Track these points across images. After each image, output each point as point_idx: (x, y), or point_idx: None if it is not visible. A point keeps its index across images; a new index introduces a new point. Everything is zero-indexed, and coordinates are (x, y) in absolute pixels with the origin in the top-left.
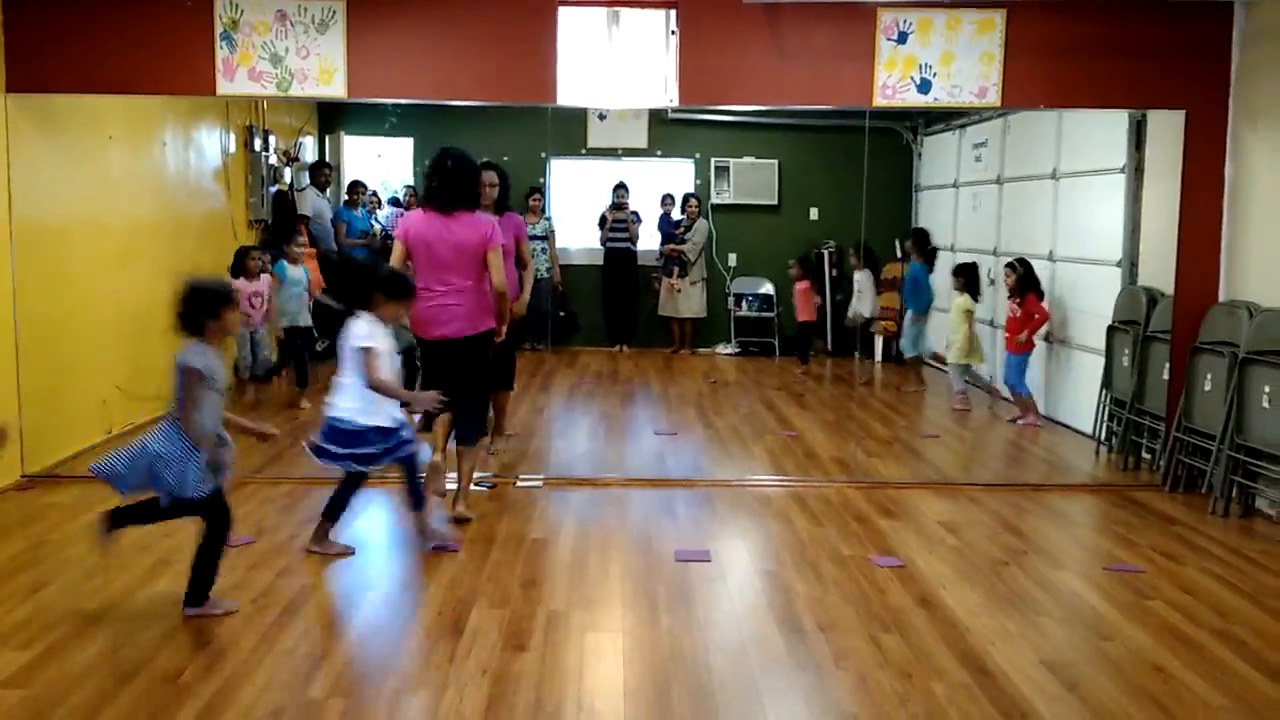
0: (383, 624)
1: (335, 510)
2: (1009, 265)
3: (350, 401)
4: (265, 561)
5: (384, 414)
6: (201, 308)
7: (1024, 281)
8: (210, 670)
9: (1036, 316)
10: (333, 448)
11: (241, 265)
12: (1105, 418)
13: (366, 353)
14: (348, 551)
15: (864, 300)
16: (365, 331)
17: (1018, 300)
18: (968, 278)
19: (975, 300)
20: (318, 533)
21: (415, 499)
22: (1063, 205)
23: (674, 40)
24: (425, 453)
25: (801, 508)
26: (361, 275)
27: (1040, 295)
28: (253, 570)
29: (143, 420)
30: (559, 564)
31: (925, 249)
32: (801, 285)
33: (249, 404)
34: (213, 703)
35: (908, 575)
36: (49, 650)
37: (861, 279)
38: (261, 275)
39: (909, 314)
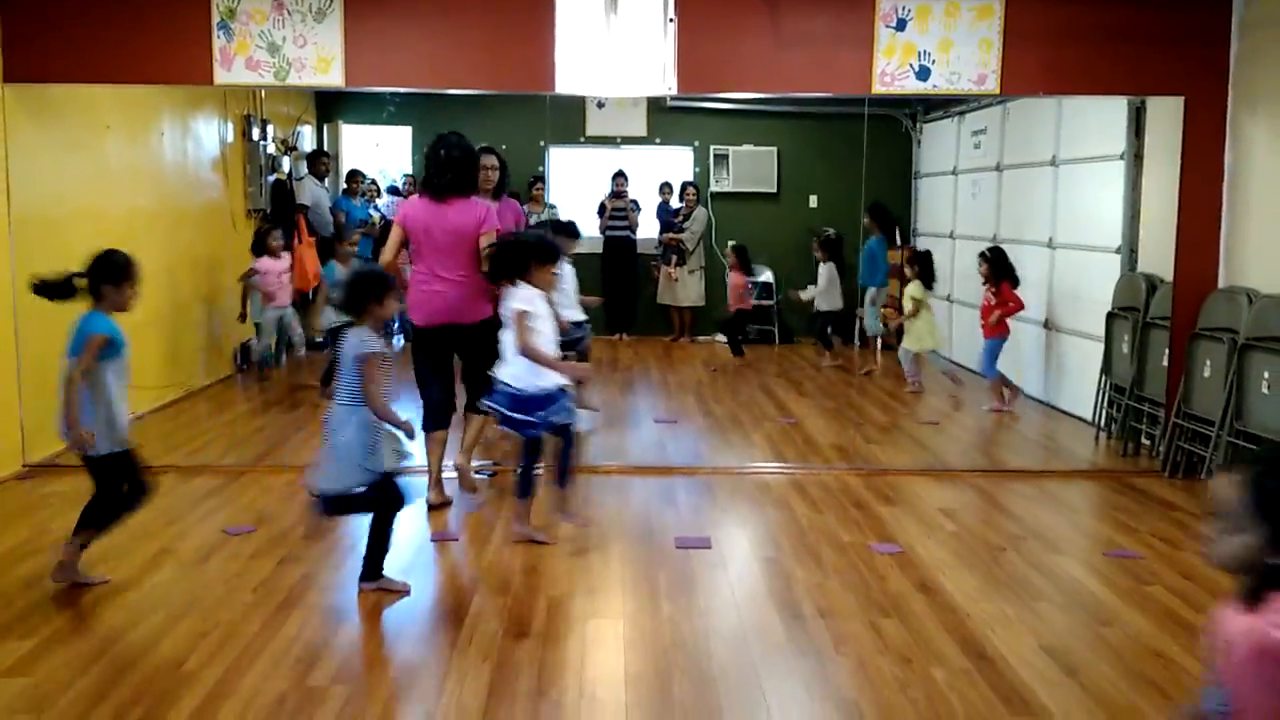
0: (384, 612)
1: (528, 478)
2: (980, 255)
3: (515, 369)
4: (266, 550)
5: (550, 379)
6: (369, 293)
7: (997, 270)
8: (212, 658)
9: (1011, 304)
10: (512, 414)
11: (263, 244)
12: (1105, 404)
13: (522, 316)
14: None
15: (828, 295)
16: (524, 296)
17: (993, 289)
18: (921, 265)
19: (928, 288)
20: (520, 517)
21: (563, 474)
22: (1062, 192)
23: (672, 28)
24: (584, 423)
25: (801, 494)
26: (513, 248)
27: (1015, 283)
28: (254, 559)
29: (143, 410)
30: (560, 551)
31: (885, 223)
32: (736, 278)
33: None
34: (215, 691)
35: (907, 561)
36: (51, 639)
37: (825, 272)
38: (284, 254)
39: (870, 291)
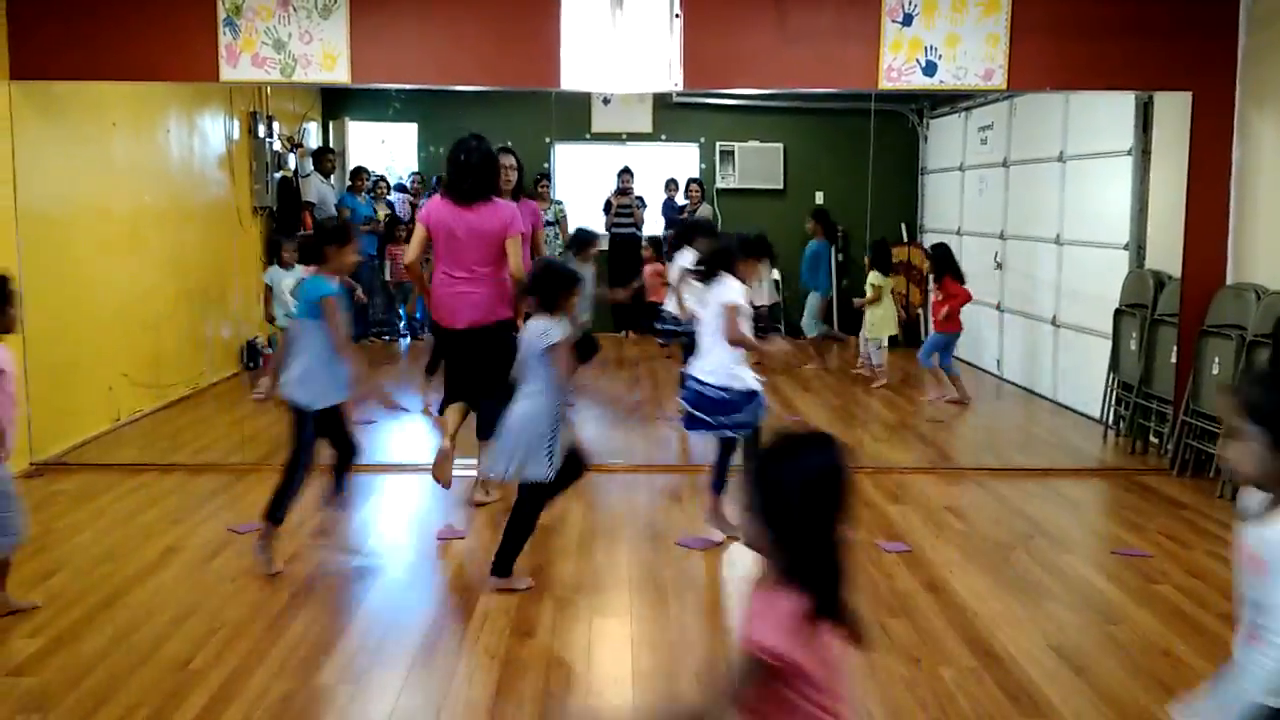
0: (391, 610)
1: (720, 482)
2: (925, 251)
3: (713, 366)
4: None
5: (746, 379)
6: (558, 287)
7: (940, 265)
8: (220, 657)
9: (957, 297)
10: (706, 416)
11: None
12: (1113, 402)
13: (732, 309)
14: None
15: (759, 291)
16: (735, 288)
17: (938, 283)
18: (877, 253)
19: (885, 275)
20: (714, 513)
21: (721, 481)
22: (1070, 188)
23: (678, 23)
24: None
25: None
26: (723, 245)
27: (959, 277)
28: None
29: (150, 408)
30: (567, 550)
31: (828, 228)
32: (652, 267)
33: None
34: (222, 689)
35: (915, 560)
36: (59, 637)
37: (759, 269)
38: None
39: (811, 294)
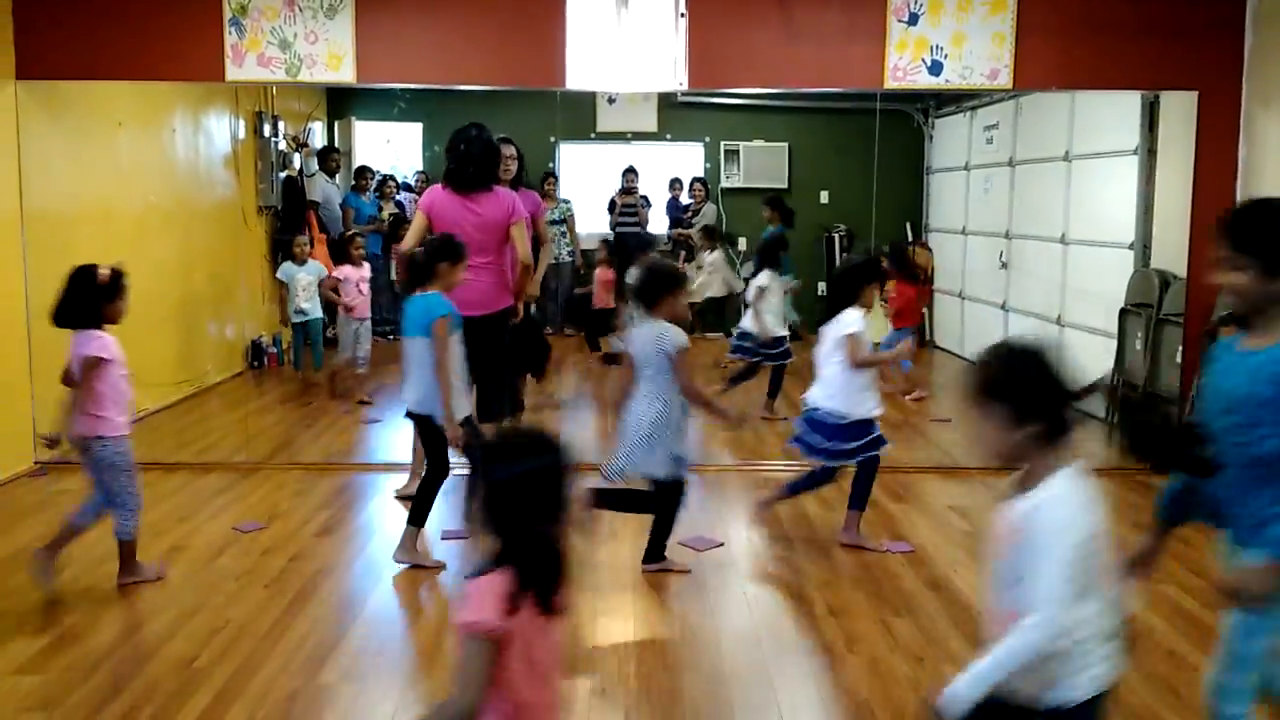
0: (395, 610)
1: (793, 493)
2: (880, 251)
3: (839, 396)
4: (278, 547)
5: (865, 407)
6: (661, 287)
7: (894, 262)
8: (224, 656)
9: (900, 295)
10: (815, 440)
11: (346, 252)
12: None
13: (852, 339)
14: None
15: (713, 282)
16: (853, 319)
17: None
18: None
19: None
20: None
21: (861, 498)
22: (1075, 187)
23: (683, 22)
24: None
25: (812, 492)
26: (851, 272)
27: (910, 277)
28: (265, 556)
29: (155, 407)
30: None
31: (784, 214)
32: (604, 273)
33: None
34: (226, 688)
35: (919, 559)
36: (63, 636)
37: (714, 260)
38: (365, 262)
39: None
